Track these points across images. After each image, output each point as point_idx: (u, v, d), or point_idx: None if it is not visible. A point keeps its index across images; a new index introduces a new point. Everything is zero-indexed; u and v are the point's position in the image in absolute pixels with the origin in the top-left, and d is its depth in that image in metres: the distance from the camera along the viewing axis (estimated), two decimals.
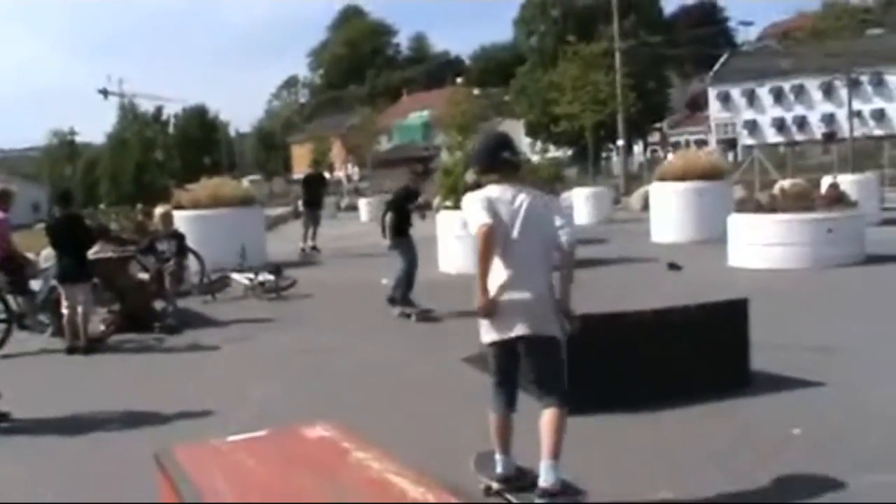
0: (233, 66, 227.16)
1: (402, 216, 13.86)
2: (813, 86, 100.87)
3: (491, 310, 5.66)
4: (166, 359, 11.74)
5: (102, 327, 13.17)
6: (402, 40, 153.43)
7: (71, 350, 12.01)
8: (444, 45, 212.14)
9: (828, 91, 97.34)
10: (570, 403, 5.81)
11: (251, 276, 16.51)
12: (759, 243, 17.05)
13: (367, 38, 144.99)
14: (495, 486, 6.00)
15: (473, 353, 9.33)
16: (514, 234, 5.67)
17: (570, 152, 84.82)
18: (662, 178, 24.40)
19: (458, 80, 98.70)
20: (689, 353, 8.01)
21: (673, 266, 17.30)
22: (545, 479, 5.59)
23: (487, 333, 5.82)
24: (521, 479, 5.96)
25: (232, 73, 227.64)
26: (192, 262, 15.94)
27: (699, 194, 22.80)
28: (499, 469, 6.03)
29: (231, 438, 4.46)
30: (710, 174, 23.49)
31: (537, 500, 5.58)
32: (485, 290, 5.67)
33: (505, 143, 6.23)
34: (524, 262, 5.67)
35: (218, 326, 13.68)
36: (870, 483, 5.88)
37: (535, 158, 31.70)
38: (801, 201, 17.74)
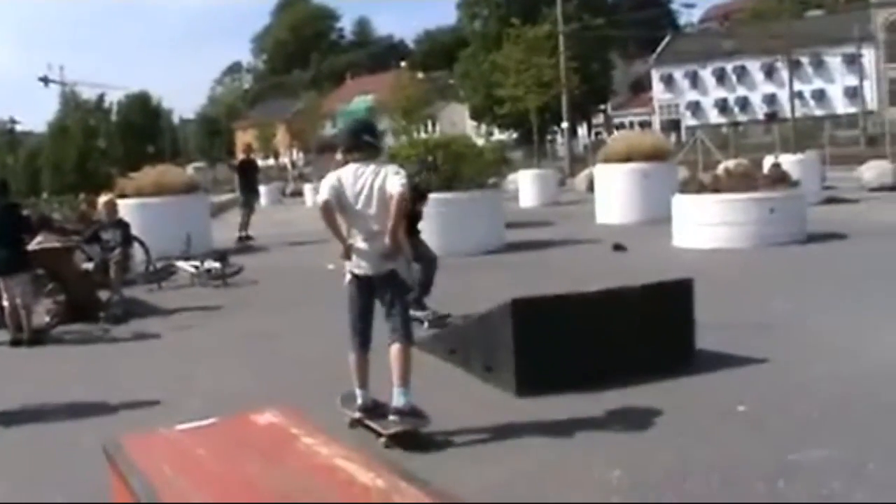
0: (175, 52, 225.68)
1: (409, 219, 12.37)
2: (755, 67, 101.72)
3: (348, 253, 7.11)
4: (112, 349, 11.65)
5: (47, 318, 13.04)
6: (346, 24, 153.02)
7: (14, 342, 11.87)
8: (387, 29, 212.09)
9: (769, 72, 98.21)
10: (412, 339, 7.18)
11: (197, 263, 16.41)
12: (703, 223, 17.21)
13: (310, 23, 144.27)
14: (357, 415, 7.13)
15: (422, 337, 9.37)
16: (357, 205, 6.99)
17: (514, 135, 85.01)
18: (607, 160, 24.53)
19: (402, 64, 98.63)
20: (634, 332, 8.09)
21: (618, 247, 17.42)
22: (396, 402, 6.86)
23: (347, 274, 7.24)
24: (378, 409, 7.09)
25: (174, 60, 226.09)
26: (136, 250, 15.79)
27: (643, 175, 22.94)
28: (359, 401, 7.18)
29: (180, 427, 4.46)
30: (654, 155, 23.64)
31: (391, 418, 6.82)
32: (343, 241, 7.11)
33: (366, 127, 7.66)
34: (366, 223, 7.00)
35: (164, 315, 13.60)
36: (812, 457, 5.99)
37: (479, 141, 31.71)
38: (743, 181, 17.92)
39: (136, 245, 15.60)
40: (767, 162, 23.88)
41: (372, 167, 7.05)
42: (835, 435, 6.41)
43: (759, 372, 8.17)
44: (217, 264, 16.37)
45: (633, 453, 6.29)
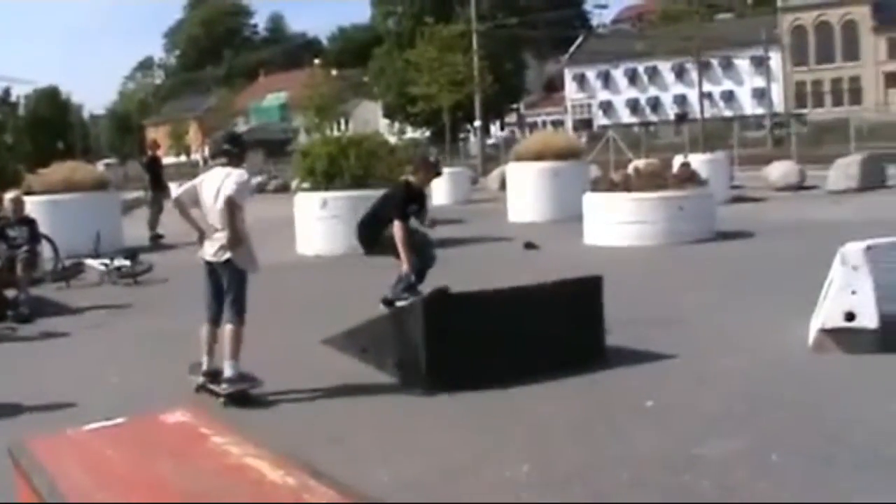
0: (86, 46, 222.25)
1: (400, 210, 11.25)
2: (666, 68, 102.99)
3: (201, 241, 8.43)
4: (19, 348, 11.45)
5: None
6: (259, 21, 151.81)
7: None
8: (301, 26, 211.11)
9: (680, 73, 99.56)
10: (243, 321, 8.17)
11: (106, 261, 16.19)
12: (614, 221, 17.42)
13: (223, 19, 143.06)
14: (201, 380, 8.25)
15: (333, 335, 9.37)
16: (208, 202, 8.21)
17: (427, 133, 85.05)
18: (519, 159, 24.69)
19: (316, 61, 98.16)
20: (545, 329, 8.16)
21: (530, 245, 17.55)
22: (227, 372, 8.00)
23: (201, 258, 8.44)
24: (219, 376, 8.11)
25: (85, 54, 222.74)
26: (45, 248, 15.57)
27: (555, 174, 23.14)
28: (204, 367, 8.26)
29: (88, 428, 4.41)
30: (565, 154, 23.86)
31: (223, 386, 7.98)
32: (198, 230, 8.43)
33: (228, 138, 9.07)
34: (212, 218, 8.24)
35: (73, 314, 13.40)
36: (717, 450, 6.11)
37: (392, 139, 31.72)
38: (654, 180, 18.16)
39: (44, 243, 15.37)
40: (677, 161, 24.19)
41: (227, 171, 8.24)
42: (739, 428, 6.55)
43: (668, 367, 8.31)
44: (127, 262, 16.18)
45: (542, 449, 6.35)
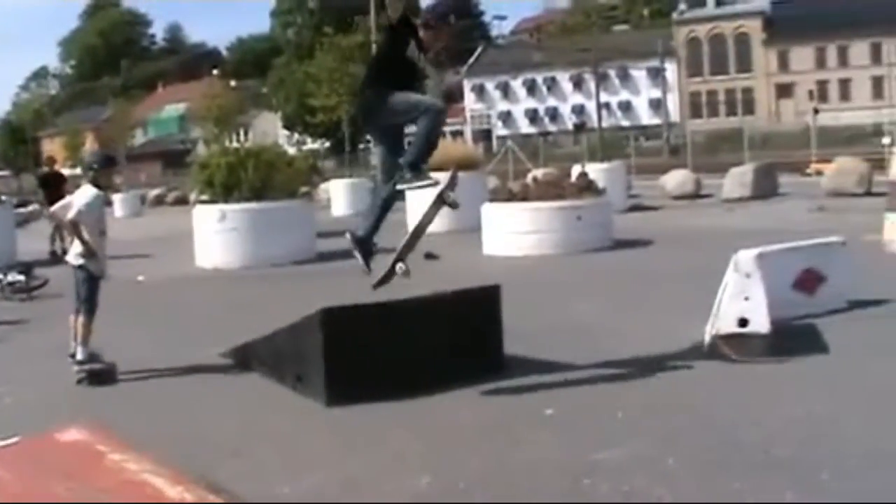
0: None
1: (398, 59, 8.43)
2: (564, 78, 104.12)
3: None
4: None
5: None
6: (157, 31, 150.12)
7: None
8: (200, 36, 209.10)
9: (578, 84, 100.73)
10: (92, 313, 9.30)
11: None
12: (513, 231, 17.55)
13: (120, 28, 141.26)
14: (75, 368, 9.25)
15: (232, 348, 9.31)
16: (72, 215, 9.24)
17: (327, 144, 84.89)
18: None
19: (215, 71, 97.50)
20: (444, 339, 8.18)
21: (430, 256, 17.56)
22: (79, 356, 9.23)
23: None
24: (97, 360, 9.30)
25: None
26: None
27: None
28: (71, 351, 9.35)
29: None
30: (464, 164, 23.93)
31: (75, 368, 9.21)
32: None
33: (94, 157, 10.31)
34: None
35: None
36: (615, 456, 6.18)
37: (291, 150, 31.61)
38: (552, 190, 18.36)
39: None
40: (575, 171, 24.46)
41: (85, 189, 9.46)
42: (637, 433, 6.62)
43: (567, 375, 8.38)
44: (21, 277, 15.87)
45: (442, 459, 6.36)
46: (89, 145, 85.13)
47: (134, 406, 8.11)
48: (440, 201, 8.94)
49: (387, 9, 8.63)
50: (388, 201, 9.11)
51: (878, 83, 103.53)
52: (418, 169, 8.50)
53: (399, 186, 8.66)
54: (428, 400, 7.65)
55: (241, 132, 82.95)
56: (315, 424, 7.33)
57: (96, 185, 9.56)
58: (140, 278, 15.77)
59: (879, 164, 28.87)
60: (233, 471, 6.22)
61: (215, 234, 18.28)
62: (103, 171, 9.79)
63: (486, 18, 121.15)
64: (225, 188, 18.58)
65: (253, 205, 18.17)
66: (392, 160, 8.75)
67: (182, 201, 41.36)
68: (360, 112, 9.52)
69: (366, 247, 9.18)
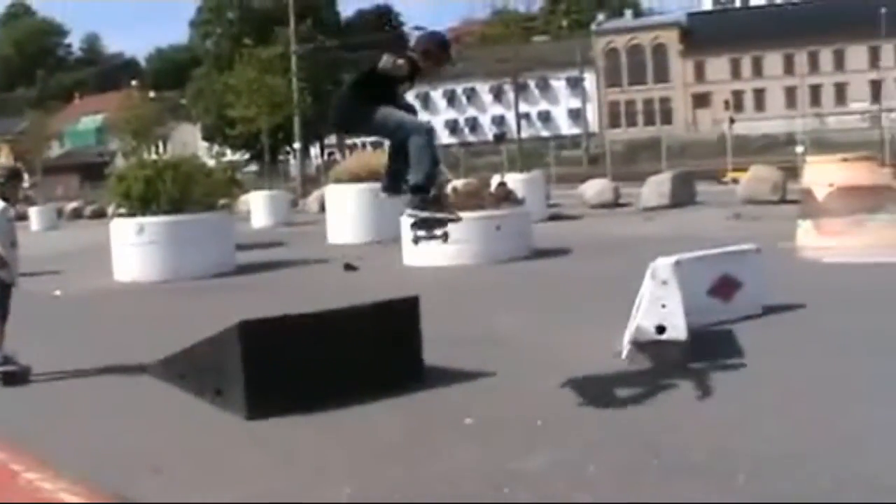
0: None
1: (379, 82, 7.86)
2: (484, 89, 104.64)
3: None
4: None
5: None
6: (74, 40, 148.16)
7: None
8: (118, 47, 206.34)
9: (498, 94, 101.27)
10: (4, 319, 9.60)
11: None
12: (431, 242, 17.52)
13: (35, 38, 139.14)
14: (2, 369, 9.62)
15: (152, 362, 9.21)
16: None
17: (247, 155, 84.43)
18: (338, 180, 24.71)
19: (133, 82, 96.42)
20: (364, 350, 8.16)
21: (349, 267, 17.57)
22: None
23: None
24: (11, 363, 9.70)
25: None
26: None
27: (374, 195, 23.12)
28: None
29: None
30: None
31: None
32: None
33: (3, 173, 10.30)
34: None
35: None
36: (535, 463, 6.21)
37: (210, 162, 31.38)
38: (471, 200, 18.37)
39: None
40: (495, 181, 24.56)
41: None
42: (557, 441, 6.66)
43: (486, 385, 8.41)
44: None
45: (363, 470, 6.35)
46: (4, 158, 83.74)
47: (50, 421, 7.99)
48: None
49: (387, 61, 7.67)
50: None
51: (790, 93, 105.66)
52: (426, 191, 7.92)
53: (409, 212, 8.07)
54: (348, 411, 7.63)
55: (160, 144, 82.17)
56: (235, 438, 7.27)
57: (4, 198, 9.77)
58: (57, 293, 15.52)
59: (793, 172, 29.42)
60: (150, 487, 6.15)
61: (133, 247, 18.07)
62: (9, 185, 10.06)
63: (406, 29, 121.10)
64: (143, 201, 18.36)
65: (171, 217, 18.00)
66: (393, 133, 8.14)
67: (100, 214, 40.83)
68: (339, 119, 8.69)
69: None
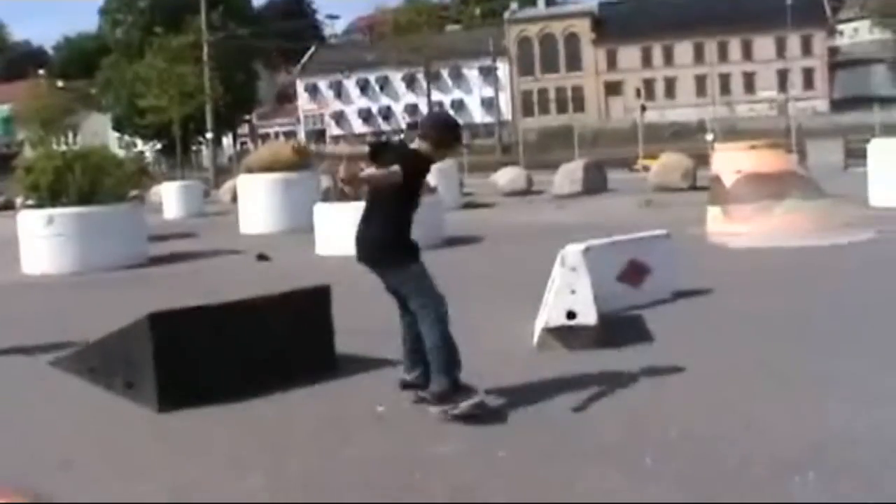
0: None
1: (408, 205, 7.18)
2: (397, 78, 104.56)
3: None
4: None
5: None
6: None
7: None
8: (24, 35, 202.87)
9: (411, 83, 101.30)
10: None
11: None
12: (345, 231, 17.50)
13: None
14: None
15: (61, 356, 9.12)
16: None
17: (158, 146, 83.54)
18: (250, 170, 24.59)
19: (41, 71, 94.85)
20: (276, 340, 8.15)
21: (262, 257, 17.50)
22: None
23: None
24: None
25: None
26: None
27: (287, 185, 23.17)
28: None
29: None
30: (296, 165, 23.87)
31: None
32: None
33: None
34: None
35: None
36: (446, 450, 6.26)
37: (121, 153, 31.06)
38: None
39: None
40: None
41: None
42: (467, 427, 6.70)
43: (397, 373, 8.43)
44: None
45: (275, 460, 6.34)
46: None
47: None
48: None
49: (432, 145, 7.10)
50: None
51: (701, 82, 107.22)
52: (453, 391, 6.90)
53: (453, 412, 6.82)
54: (260, 401, 7.62)
55: (70, 134, 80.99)
56: (146, 431, 7.22)
57: None
58: None
59: (703, 160, 29.86)
60: (61, 482, 6.10)
61: (42, 239, 17.80)
62: None
63: (319, 17, 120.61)
64: (51, 192, 18.11)
65: (81, 209, 17.78)
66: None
67: (8, 206, 40.11)
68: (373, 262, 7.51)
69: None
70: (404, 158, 6.86)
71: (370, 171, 6.93)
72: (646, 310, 10.36)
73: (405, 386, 7.36)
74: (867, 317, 9.99)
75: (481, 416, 6.70)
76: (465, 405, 6.71)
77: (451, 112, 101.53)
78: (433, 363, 6.94)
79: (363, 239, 7.36)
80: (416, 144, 7.17)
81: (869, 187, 21.26)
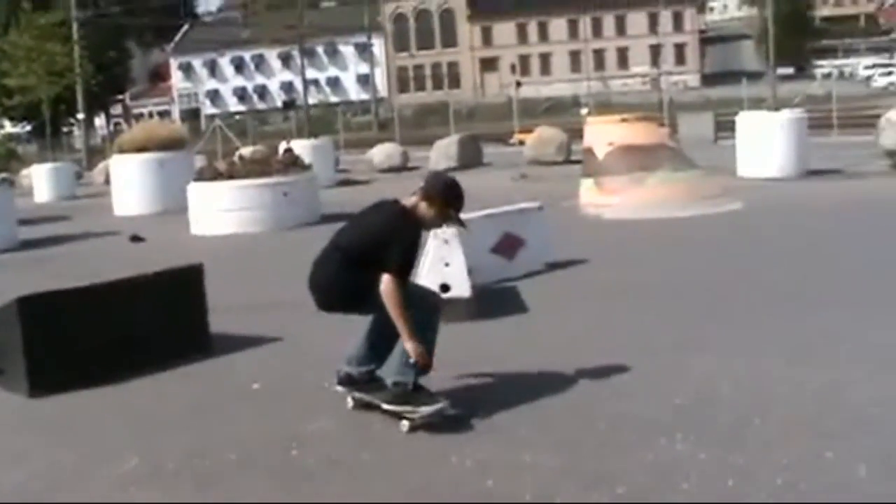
0: None
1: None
2: (272, 56, 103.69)
3: None
4: None
5: None
6: None
7: None
8: None
9: (286, 61, 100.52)
10: None
11: None
12: (219, 210, 17.44)
13: None
14: None
15: None
16: None
17: (28, 127, 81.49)
18: (122, 151, 24.19)
19: None
20: (149, 320, 8.06)
21: (136, 238, 17.27)
22: None
23: None
24: None
25: None
26: None
27: (160, 165, 22.86)
28: None
29: None
30: (170, 144, 23.60)
31: None
32: None
33: None
34: None
35: None
36: (323, 425, 6.29)
37: None
38: (258, 167, 18.32)
39: None
40: (281, 147, 24.52)
41: None
42: (343, 403, 6.67)
43: (273, 350, 8.45)
44: None
45: (152, 440, 6.29)
46: None
47: None
48: None
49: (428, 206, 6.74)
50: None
51: (575, 57, 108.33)
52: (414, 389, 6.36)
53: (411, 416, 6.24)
54: (135, 383, 7.55)
55: None
56: (18, 417, 7.10)
57: None
58: None
59: (578, 134, 30.14)
60: None
61: None
62: None
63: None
64: None
65: None
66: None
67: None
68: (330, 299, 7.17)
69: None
70: (405, 253, 6.45)
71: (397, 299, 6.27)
72: (520, 281, 10.51)
73: (348, 382, 6.58)
74: (734, 283, 10.27)
75: (439, 423, 6.21)
76: (425, 410, 6.18)
77: (327, 89, 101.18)
78: (402, 356, 6.27)
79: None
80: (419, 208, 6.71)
81: (737, 159, 21.77)
